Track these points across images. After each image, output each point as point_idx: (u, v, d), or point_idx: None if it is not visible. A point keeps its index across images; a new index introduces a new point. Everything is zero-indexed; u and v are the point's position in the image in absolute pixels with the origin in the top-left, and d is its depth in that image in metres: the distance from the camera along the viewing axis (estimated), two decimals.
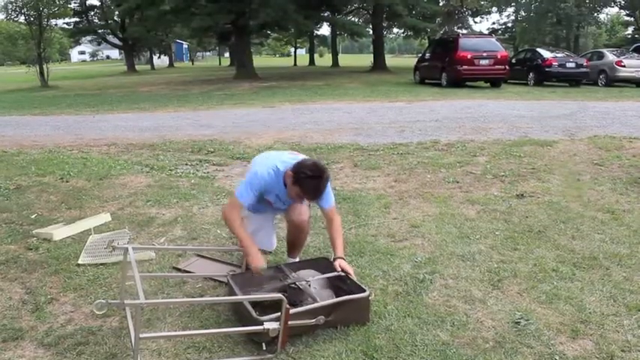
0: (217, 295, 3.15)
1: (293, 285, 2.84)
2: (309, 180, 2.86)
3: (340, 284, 2.92)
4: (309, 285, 2.83)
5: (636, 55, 19.90)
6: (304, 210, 3.32)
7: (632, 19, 41.02)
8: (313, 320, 2.58)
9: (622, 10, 44.08)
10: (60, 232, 4.11)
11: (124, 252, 2.82)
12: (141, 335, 2.32)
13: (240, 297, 2.70)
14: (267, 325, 2.42)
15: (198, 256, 3.72)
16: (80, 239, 4.04)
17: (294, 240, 3.45)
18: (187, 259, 3.67)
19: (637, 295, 3.04)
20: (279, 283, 2.90)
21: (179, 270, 3.51)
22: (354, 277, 2.94)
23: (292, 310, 2.48)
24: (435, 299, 3.03)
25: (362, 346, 2.55)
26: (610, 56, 19.71)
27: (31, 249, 3.88)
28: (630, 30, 47.84)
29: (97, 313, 2.81)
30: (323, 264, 3.15)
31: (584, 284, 3.19)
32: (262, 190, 3.02)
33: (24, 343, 2.65)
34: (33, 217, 4.64)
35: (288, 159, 3.03)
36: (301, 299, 2.73)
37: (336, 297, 2.77)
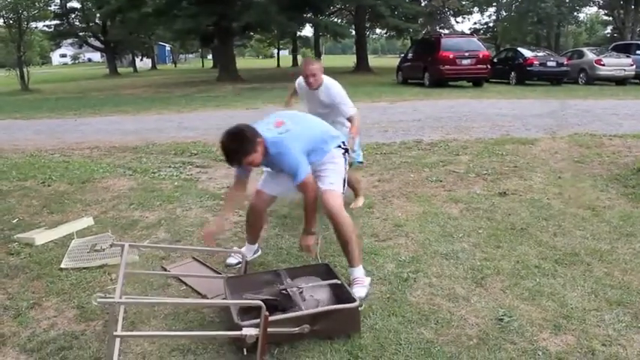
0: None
1: (284, 291, 2.78)
2: (222, 147, 2.94)
3: (338, 292, 2.82)
4: (302, 292, 2.76)
5: (615, 53, 20.16)
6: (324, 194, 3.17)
7: (610, 18, 41.52)
8: (297, 329, 2.52)
9: (601, 10, 44.64)
10: (42, 236, 4.07)
11: (122, 249, 2.78)
12: (115, 333, 2.29)
13: (218, 301, 2.68)
14: (246, 331, 2.37)
15: (193, 258, 3.70)
16: (62, 243, 4.01)
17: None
18: (178, 262, 3.66)
19: (618, 290, 3.08)
20: (274, 288, 2.85)
21: (166, 270, 3.50)
22: (315, 254, 3.13)
23: (272, 317, 2.42)
24: (419, 298, 3.05)
25: (346, 346, 2.55)
26: (590, 55, 19.97)
27: (13, 254, 3.83)
28: (609, 29, 48.53)
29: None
30: (323, 270, 3.07)
31: (566, 280, 3.23)
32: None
33: (6, 349, 2.62)
34: (14, 221, 4.59)
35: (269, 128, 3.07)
36: (290, 306, 2.69)
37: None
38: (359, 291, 3.02)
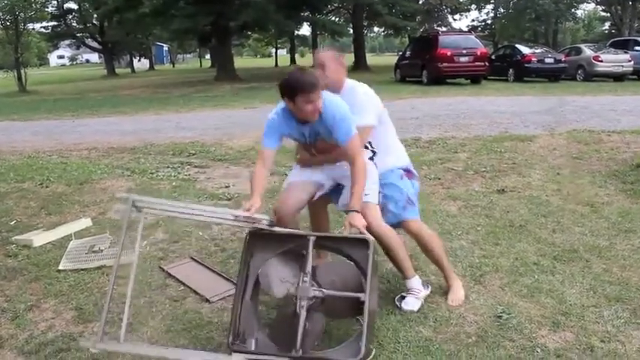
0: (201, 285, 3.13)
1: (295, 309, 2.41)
2: (287, 80, 2.61)
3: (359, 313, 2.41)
4: (310, 309, 2.39)
5: (613, 50, 20.16)
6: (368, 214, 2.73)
7: (608, 14, 41.55)
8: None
9: (599, 6, 44.65)
10: (40, 238, 4.07)
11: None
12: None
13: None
14: (235, 358, 2.32)
15: (191, 258, 3.70)
16: (61, 245, 4.01)
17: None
18: (176, 262, 3.65)
19: (616, 287, 3.07)
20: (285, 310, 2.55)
21: (164, 271, 3.50)
22: (365, 233, 2.52)
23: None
24: None
25: None
26: (587, 51, 19.96)
27: (11, 256, 3.83)
28: (607, 25, 48.53)
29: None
30: (358, 251, 2.46)
31: (565, 277, 3.23)
32: (279, 132, 2.81)
33: (3, 351, 2.61)
34: (12, 223, 4.58)
35: None
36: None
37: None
38: (411, 303, 2.87)
